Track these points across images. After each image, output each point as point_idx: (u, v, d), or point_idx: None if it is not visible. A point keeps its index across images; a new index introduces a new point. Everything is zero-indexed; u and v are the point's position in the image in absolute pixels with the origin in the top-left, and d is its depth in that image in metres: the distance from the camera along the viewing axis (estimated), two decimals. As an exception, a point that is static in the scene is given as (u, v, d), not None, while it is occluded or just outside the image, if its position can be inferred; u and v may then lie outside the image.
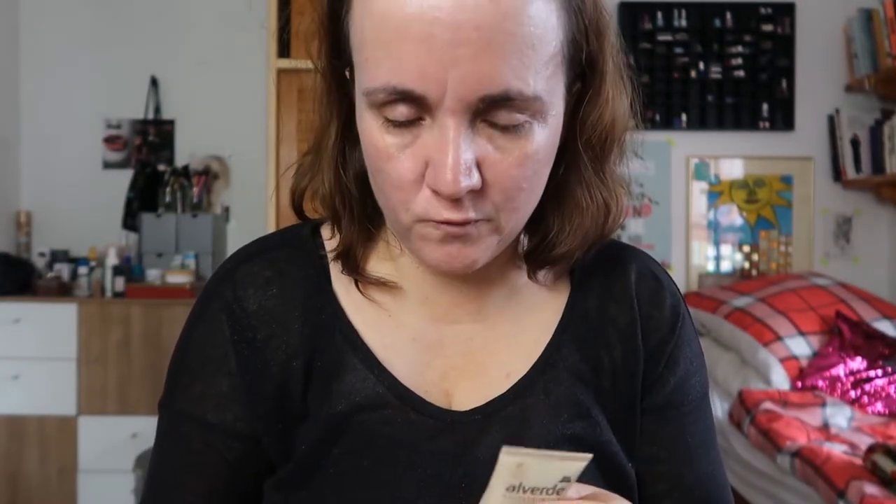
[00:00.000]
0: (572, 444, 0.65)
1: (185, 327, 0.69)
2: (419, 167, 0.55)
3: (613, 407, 0.67)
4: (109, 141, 3.55)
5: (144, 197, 3.35)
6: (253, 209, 3.40)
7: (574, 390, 0.66)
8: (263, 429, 0.65)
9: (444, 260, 0.58)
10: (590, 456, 0.46)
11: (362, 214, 0.65)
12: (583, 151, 0.63)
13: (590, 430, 0.66)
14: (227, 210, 3.52)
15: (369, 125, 0.56)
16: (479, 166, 0.54)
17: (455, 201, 0.54)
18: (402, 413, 0.63)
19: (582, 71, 0.60)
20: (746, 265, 3.43)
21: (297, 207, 0.70)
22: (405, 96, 0.53)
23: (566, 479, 0.46)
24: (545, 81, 0.55)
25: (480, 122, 0.54)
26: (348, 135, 0.64)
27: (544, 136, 0.56)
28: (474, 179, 0.54)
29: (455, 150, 0.53)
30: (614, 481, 0.65)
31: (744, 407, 2.49)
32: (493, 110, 0.53)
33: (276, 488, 0.65)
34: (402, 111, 0.54)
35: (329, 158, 0.64)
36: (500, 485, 0.45)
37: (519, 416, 0.64)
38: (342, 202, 0.65)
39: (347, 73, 0.60)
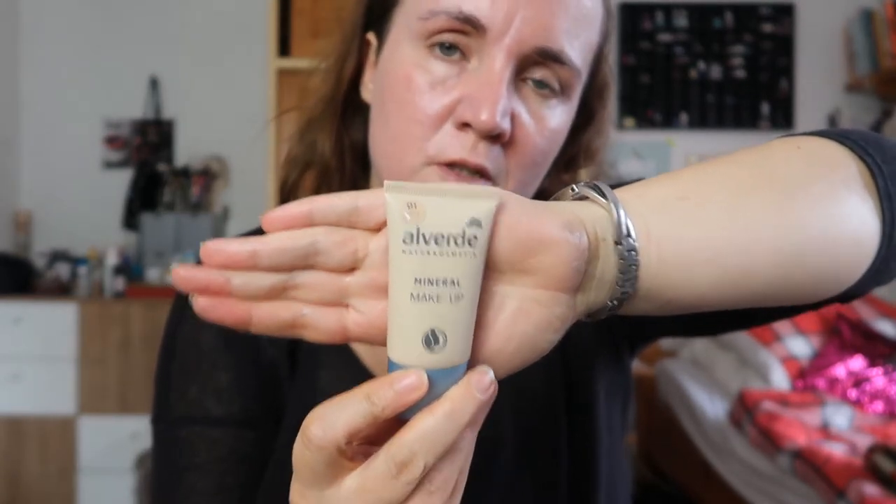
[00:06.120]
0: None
1: (165, 334, 0.67)
2: (450, 103, 0.55)
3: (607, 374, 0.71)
4: (109, 141, 3.54)
5: (144, 197, 3.35)
6: (253, 209, 3.39)
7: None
8: (274, 416, 0.64)
9: None
10: (497, 190, 0.37)
11: (352, 182, 0.65)
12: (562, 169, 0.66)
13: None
14: (227, 210, 3.52)
15: (407, 56, 0.56)
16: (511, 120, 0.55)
17: (477, 143, 0.54)
18: None
19: (584, 103, 0.62)
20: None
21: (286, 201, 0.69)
22: (467, 23, 0.53)
23: (475, 223, 0.37)
24: (583, 65, 0.57)
25: (520, 80, 0.55)
26: (351, 100, 0.65)
27: (563, 121, 0.58)
28: (508, 125, 0.54)
29: (500, 86, 0.53)
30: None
31: (744, 407, 2.49)
32: (538, 67, 0.55)
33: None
34: (454, 39, 0.54)
35: (333, 116, 0.65)
36: (395, 237, 0.36)
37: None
38: (339, 162, 0.65)
39: (371, 38, 0.62)
